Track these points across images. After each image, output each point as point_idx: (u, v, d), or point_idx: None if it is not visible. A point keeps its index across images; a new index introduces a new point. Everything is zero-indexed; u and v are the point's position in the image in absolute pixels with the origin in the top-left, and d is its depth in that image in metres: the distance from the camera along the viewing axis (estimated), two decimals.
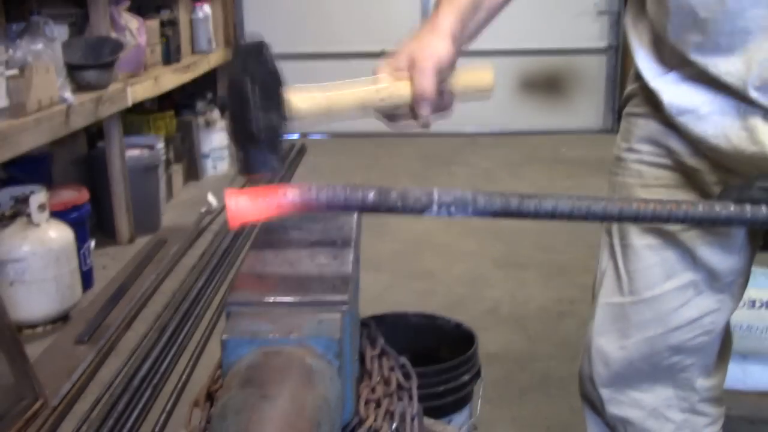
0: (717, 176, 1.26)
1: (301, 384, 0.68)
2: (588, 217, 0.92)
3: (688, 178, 1.30)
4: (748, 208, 0.93)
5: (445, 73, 1.11)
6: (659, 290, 1.36)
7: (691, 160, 1.28)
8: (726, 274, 1.34)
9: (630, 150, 1.37)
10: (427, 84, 1.09)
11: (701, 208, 0.94)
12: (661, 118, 1.28)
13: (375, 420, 0.85)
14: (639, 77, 1.32)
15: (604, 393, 1.46)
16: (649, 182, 1.35)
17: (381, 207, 0.88)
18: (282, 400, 0.66)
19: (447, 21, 1.14)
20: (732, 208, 0.94)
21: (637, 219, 0.94)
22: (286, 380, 0.68)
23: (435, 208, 0.88)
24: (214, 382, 0.90)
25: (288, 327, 0.76)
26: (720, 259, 1.32)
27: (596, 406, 1.50)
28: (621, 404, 1.45)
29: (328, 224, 1.01)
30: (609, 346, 1.43)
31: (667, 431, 1.44)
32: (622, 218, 0.94)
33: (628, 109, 1.40)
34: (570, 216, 0.91)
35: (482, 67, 1.17)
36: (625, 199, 0.95)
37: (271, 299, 0.80)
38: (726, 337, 1.45)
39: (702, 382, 1.43)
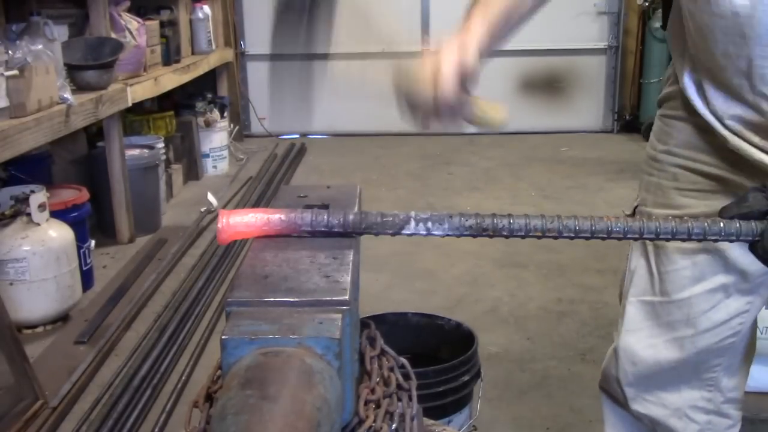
0: (755, 183, 1.25)
1: (300, 384, 0.68)
2: (561, 234, 0.95)
3: (725, 185, 1.29)
4: (738, 224, 0.94)
5: (466, 84, 1.18)
6: (689, 293, 1.36)
7: (728, 167, 1.27)
8: (757, 275, 1.33)
9: (668, 152, 1.37)
10: (447, 90, 1.16)
11: (690, 224, 0.94)
12: (699, 123, 1.28)
13: (374, 421, 0.85)
14: (677, 80, 1.31)
15: (629, 391, 1.46)
16: (684, 186, 1.34)
17: (362, 227, 0.93)
18: (282, 400, 0.66)
19: (476, 34, 1.18)
20: (721, 224, 0.94)
21: (626, 235, 0.94)
22: (285, 381, 0.68)
23: (413, 224, 0.93)
24: (213, 383, 0.90)
25: (288, 327, 0.75)
26: (752, 260, 1.31)
27: (619, 401, 1.50)
28: (646, 402, 1.46)
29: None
30: (638, 344, 1.43)
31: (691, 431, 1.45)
32: (594, 235, 0.95)
33: (665, 111, 1.39)
34: (543, 233, 0.94)
35: (499, 103, 1.26)
36: (601, 217, 0.96)
37: (271, 299, 0.80)
38: (751, 335, 1.45)
39: (727, 382, 1.44)
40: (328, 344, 0.74)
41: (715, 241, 0.96)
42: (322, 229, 0.93)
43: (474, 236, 0.94)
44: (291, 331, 0.75)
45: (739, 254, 1.30)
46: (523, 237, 0.94)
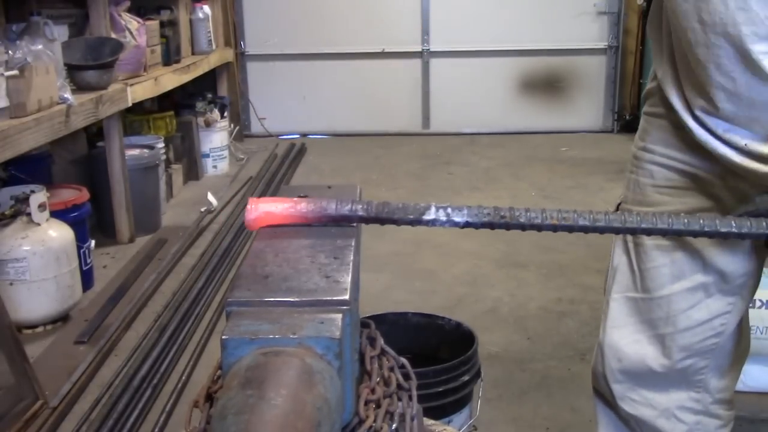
0: (726, 182, 1.26)
1: (301, 384, 0.69)
2: (576, 224, 0.96)
3: (697, 183, 1.31)
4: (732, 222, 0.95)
5: None
6: (668, 291, 1.37)
7: (699, 164, 1.29)
8: (736, 277, 1.34)
9: (645, 149, 1.38)
10: None
11: (702, 220, 0.95)
12: (674, 120, 1.28)
13: (375, 421, 0.85)
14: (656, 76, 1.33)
15: (617, 389, 1.46)
16: (660, 183, 1.35)
17: (384, 213, 0.96)
18: (282, 400, 0.66)
19: None
20: (732, 221, 0.95)
21: (639, 226, 0.95)
22: (286, 381, 0.68)
23: (433, 210, 0.95)
24: (213, 383, 0.90)
25: (288, 327, 0.75)
26: (729, 261, 1.32)
27: (608, 401, 1.51)
28: (633, 402, 1.46)
29: (325, 227, 1.01)
30: (623, 340, 1.44)
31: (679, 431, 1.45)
32: (606, 230, 0.96)
33: (646, 108, 1.41)
34: (558, 222, 0.96)
35: None
36: (609, 213, 0.97)
37: (271, 299, 0.80)
38: (741, 337, 1.45)
39: (716, 383, 1.44)
40: (328, 344, 0.74)
41: (725, 236, 0.96)
42: (346, 213, 0.95)
43: (492, 226, 0.96)
44: (291, 331, 0.75)
45: (716, 254, 1.31)
46: (539, 229, 0.96)
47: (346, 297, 0.80)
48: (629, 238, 1.42)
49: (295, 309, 0.79)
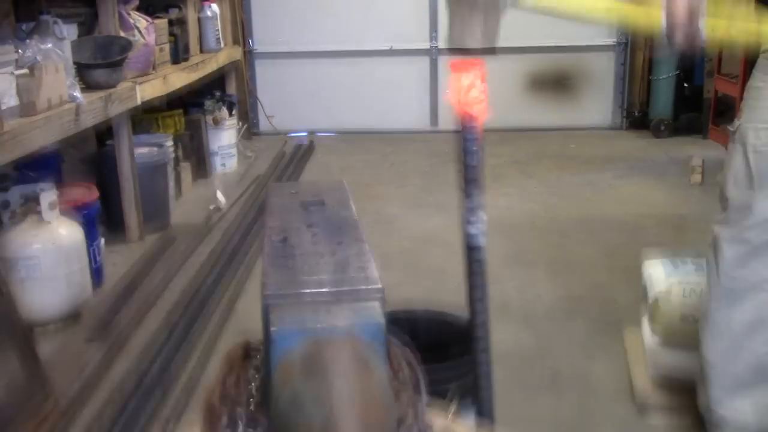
0: None
1: (362, 371, 0.69)
2: None
3: None
4: None
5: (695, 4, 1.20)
6: None
7: None
8: None
9: None
10: (680, 8, 1.20)
11: None
12: None
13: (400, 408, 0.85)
14: None
15: None
16: None
17: None
18: (354, 386, 0.67)
19: None
20: None
21: None
22: (347, 368, 0.69)
23: None
24: (223, 383, 0.90)
25: (333, 317, 0.76)
26: None
27: None
28: None
29: (330, 222, 1.02)
30: None
31: None
32: None
33: None
34: None
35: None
36: None
37: (307, 291, 0.81)
38: None
39: None
40: (374, 331, 0.75)
41: None
42: None
43: None
44: (338, 321, 0.76)
45: None
46: None
47: (380, 285, 0.81)
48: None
49: (332, 299, 0.80)
